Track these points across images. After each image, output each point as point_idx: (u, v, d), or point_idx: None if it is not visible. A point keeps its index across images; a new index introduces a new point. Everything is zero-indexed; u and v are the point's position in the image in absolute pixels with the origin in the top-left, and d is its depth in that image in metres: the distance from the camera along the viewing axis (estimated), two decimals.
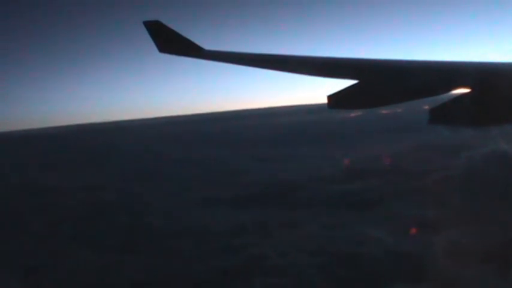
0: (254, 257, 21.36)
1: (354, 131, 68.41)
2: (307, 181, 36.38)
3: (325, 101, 4.47)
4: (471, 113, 3.86)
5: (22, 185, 47.48)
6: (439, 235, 20.81)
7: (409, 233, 22.14)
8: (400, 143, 52.11)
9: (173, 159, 57.65)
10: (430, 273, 17.35)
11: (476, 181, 28.28)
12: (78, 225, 28.75)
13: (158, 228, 27.18)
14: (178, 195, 35.43)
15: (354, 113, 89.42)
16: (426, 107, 3.95)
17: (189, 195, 35.07)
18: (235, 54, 5.90)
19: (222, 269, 20.26)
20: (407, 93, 4.43)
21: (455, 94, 4.07)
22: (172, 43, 6.22)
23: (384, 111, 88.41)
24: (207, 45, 6.27)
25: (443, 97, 4.07)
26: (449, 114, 3.95)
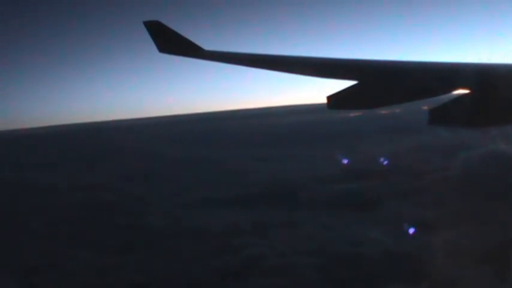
0: (253, 258, 21.35)
1: (353, 131, 68.40)
2: (306, 181, 36.38)
3: (324, 101, 4.48)
4: (471, 114, 3.87)
5: (21, 184, 47.45)
6: (438, 235, 20.81)
7: (408, 233, 22.15)
8: (399, 143, 52.14)
9: (173, 158, 57.64)
10: (429, 273, 17.36)
11: (476, 181, 28.31)
12: (77, 225, 28.72)
13: (158, 228, 27.16)
14: (177, 195, 35.42)
15: (353, 113, 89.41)
16: (425, 108, 3.96)
17: (188, 195, 35.06)
18: (234, 54, 5.91)
19: (220, 269, 20.25)
20: (407, 94, 4.45)
21: (454, 95, 4.08)
22: (172, 43, 6.24)
23: (383, 111, 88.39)
24: (207, 45, 6.28)
25: (443, 98, 4.08)
26: (448, 115, 3.96)
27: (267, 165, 47.11)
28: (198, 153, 60.86)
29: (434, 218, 22.32)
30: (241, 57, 5.83)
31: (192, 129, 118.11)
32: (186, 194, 35.83)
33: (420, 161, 38.40)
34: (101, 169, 54.15)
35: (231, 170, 44.88)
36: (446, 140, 40.66)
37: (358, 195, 30.54)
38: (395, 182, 32.54)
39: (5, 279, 20.87)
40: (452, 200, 24.45)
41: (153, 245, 24.14)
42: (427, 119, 3.89)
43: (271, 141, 68.78)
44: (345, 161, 42.73)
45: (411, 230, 22.17)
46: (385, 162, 39.95)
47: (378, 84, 4.62)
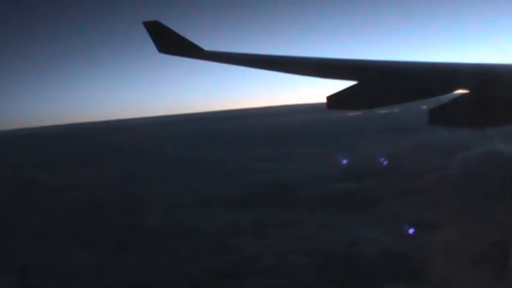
0: (251, 257, 21.35)
1: (352, 131, 68.43)
2: (305, 181, 36.39)
3: (324, 100, 4.50)
4: (470, 114, 3.88)
5: (19, 183, 47.44)
6: (436, 235, 20.83)
7: (406, 233, 22.15)
8: (399, 143, 52.16)
9: (172, 158, 57.65)
10: (426, 273, 17.36)
11: (474, 181, 28.33)
12: (75, 225, 28.70)
13: (156, 228, 27.14)
14: (176, 195, 35.39)
15: (352, 113, 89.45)
16: (424, 107, 3.97)
17: (187, 195, 35.04)
18: (234, 54, 5.91)
19: (218, 269, 20.24)
20: (407, 94, 4.45)
21: (454, 95, 4.09)
22: (172, 43, 6.24)
23: (382, 111, 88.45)
24: (207, 45, 6.29)
25: (443, 98, 4.09)
26: (448, 115, 3.96)
27: (266, 164, 47.09)
28: (198, 153, 60.86)
29: (433, 218, 22.33)
30: (240, 58, 5.84)
31: (191, 129, 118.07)
32: (185, 193, 35.82)
33: (419, 160, 38.43)
34: (100, 169, 54.12)
35: (231, 170, 44.87)
36: (446, 140, 40.68)
37: (357, 195, 30.54)
38: (394, 181, 32.56)
39: (2, 279, 20.86)
40: (451, 200, 24.46)
41: (151, 244, 24.12)
42: (427, 119, 3.89)
43: (271, 140, 68.76)
44: (345, 161, 42.74)
45: (410, 230, 22.18)
46: (385, 162, 39.97)
47: (377, 84, 4.63)
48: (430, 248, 19.74)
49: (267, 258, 21.10)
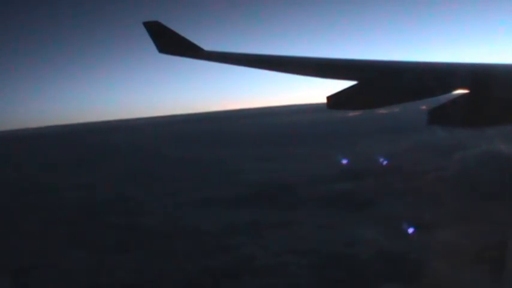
0: (248, 257, 21.33)
1: (352, 131, 68.50)
2: (305, 181, 36.41)
3: (324, 100, 4.51)
4: (470, 114, 3.88)
5: (19, 183, 47.42)
6: (433, 235, 20.83)
7: (404, 233, 22.14)
8: (398, 143, 52.22)
9: (172, 158, 57.67)
10: (422, 274, 17.35)
11: (473, 181, 28.31)
12: (74, 225, 28.71)
13: (154, 228, 27.12)
14: (175, 195, 35.39)
15: (352, 113, 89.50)
16: (423, 108, 3.98)
17: (187, 195, 35.05)
18: (234, 54, 5.92)
19: (215, 269, 20.24)
20: (406, 94, 4.46)
21: (453, 95, 4.10)
22: (172, 43, 6.24)
23: (382, 111, 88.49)
24: (207, 45, 6.30)
25: (442, 98, 4.09)
26: (448, 115, 3.97)
27: (265, 165, 47.12)
28: (198, 153, 60.90)
29: (431, 218, 22.33)
30: (240, 58, 5.84)
31: (191, 129, 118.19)
32: (184, 193, 35.83)
33: (418, 161, 38.46)
34: (99, 169, 54.16)
35: (230, 170, 44.90)
36: (445, 140, 40.70)
37: (356, 195, 30.55)
38: (394, 182, 32.57)
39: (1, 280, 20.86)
40: (449, 200, 24.45)
41: (148, 244, 24.10)
42: (427, 119, 3.90)
43: (269, 141, 68.83)
44: (344, 161, 42.79)
45: (408, 230, 22.17)
46: (384, 162, 40.02)
47: (377, 84, 4.64)
48: (429, 249, 19.74)
49: (264, 258, 21.09)
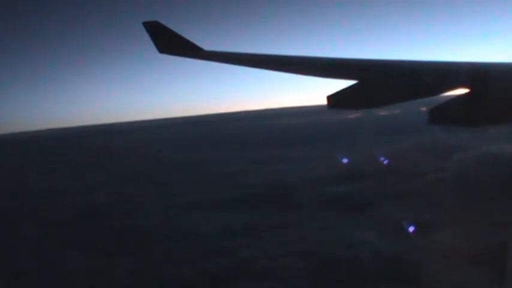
0: (245, 260, 21.28)
1: (352, 133, 68.51)
2: (304, 183, 36.40)
3: (324, 102, 4.50)
4: (470, 113, 3.88)
5: (18, 187, 47.44)
6: (432, 237, 20.80)
7: (404, 235, 22.11)
8: (398, 144, 52.21)
9: (171, 161, 57.67)
10: (420, 276, 17.32)
11: (473, 182, 28.31)
12: (69, 228, 28.68)
13: (151, 231, 27.08)
14: (173, 198, 35.37)
15: (352, 115, 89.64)
16: (424, 109, 3.97)
17: (185, 198, 35.02)
18: (234, 54, 5.91)
19: (212, 271, 20.19)
20: (407, 93, 4.46)
21: (454, 94, 4.09)
22: (172, 44, 6.24)
23: (382, 112, 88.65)
24: (207, 45, 6.29)
25: (442, 97, 4.09)
26: (448, 114, 3.97)
27: (265, 167, 47.14)
28: (197, 156, 60.89)
29: (430, 220, 22.32)
30: (241, 58, 5.84)
31: (191, 132, 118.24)
32: (182, 196, 35.81)
33: (418, 162, 38.45)
34: (97, 172, 54.12)
35: (229, 173, 44.92)
36: (444, 140, 40.75)
37: (355, 197, 30.54)
38: (392, 183, 32.54)
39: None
40: (449, 202, 24.44)
41: (145, 247, 24.05)
42: (427, 118, 3.90)
43: (269, 143, 68.90)
44: (344, 161, 42.85)
45: (407, 232, 22.14)
46: (384, 163, 40.03)
47: (377, 83, 4.63)
48: (429, 250, 19.72)
49: (262, 261, 21.03)
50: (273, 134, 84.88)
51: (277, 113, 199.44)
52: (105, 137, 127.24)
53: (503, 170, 29.13)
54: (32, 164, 68.24)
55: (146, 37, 6.42)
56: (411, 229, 22.11)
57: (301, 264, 20.23)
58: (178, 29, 6.22)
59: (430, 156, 39.74)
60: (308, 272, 19.55)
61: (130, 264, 21.69)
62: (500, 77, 4.27)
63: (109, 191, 40.27)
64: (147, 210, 32.43)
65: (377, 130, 67.16)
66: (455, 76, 4.42)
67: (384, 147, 50.42)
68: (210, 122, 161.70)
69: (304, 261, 20.45)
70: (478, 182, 27.66)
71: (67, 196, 39.36)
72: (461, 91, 4.07)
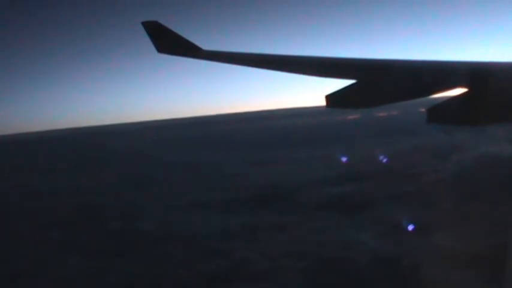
0: (243, 262, 21.26)
1: (352, 134, 68.61)
2: (304, 184, 36.42)
3: (322, 103, 4.50)
4: (469, 112, 3.89)
5: (17, 188, 47.40)
6: (431, 238, 20.81)
7: (402, 236, 22.11)
8: (398, 145, 52.26)
9: (169, 163, 57.68)
10: (419, 277, 17.31)
11: (472, 182, 28.34)
12: (67, 230, 28.63)
13: (149, 233, 27.04)
14: (172, 200, 35.34)
15: (351, 116, 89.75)
16: (422, 110, 3.98)
17: (183, 200, 35.00)
18: (234, 54, 5.91)
19: (210, 273, 20.18)
20: (405, 92, 4.47)
21: (453, 93, 4.11)
22: (171, 43, 6.23)
23: (380, 113, 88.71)
24: (206, 45, 6.29)
25: (441, 96, 4.10)
26: (447, 113, 3.98)
27: (263, 168, 47.15)
28: (196, 157, 60.90)
29: (429, 221, 22.33)
30: (240, 57, 5.84)
31: (190, 133, 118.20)
32: (180, 198, 35.79)
33: (418, 162, 38.49)
34: (95, 173, 54.09)
35: (227, 174, 44.94)
36: (444, 141, 40.81)
37: (353, 198, 30.56)
38: (391, 184, 32.56)
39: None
40: (448, 202, 24.46)
41: (143, 249, 24.03)
42: (426, 118, 3.91)
43: (269, 144, 68.96)
44: (343, 160, 42.92)
45: (406, 232, 22.15)
46: (383, 162, 40.09)
47: (376, 82, 4.64)
48: (428, 251, 19.72)
49: (259, 263, 21.01)
50: (273, 135, 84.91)
51: (277, 114, 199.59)
52: (103, 138, 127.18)
53: (502, 170, 29.13)
54: (31, 165, 68.19)
55: (145, 37, 6.42)
56: (411, 229, 22.12)
57: (300, 265, 20.23)
58: (178, 29, 6.21)
59: (430, 157, 39.79)
60: (306, 273, 19.54)
61: (130, 266, 21.66)
62: (498, 76, 4.28)
63: (109, 192, 40.24)
64: (146, 212, 32.42)
65: (376, 131, 67.26)
66: (453, 75, 4.43)
67: (384, 148, 50.46)
68: (210, 124, 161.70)
69: (304, 262, 20.45)
70: (477, 183, 27.68)
71: (67, 197, 39.30)
72: (460, 90, 4.08)
